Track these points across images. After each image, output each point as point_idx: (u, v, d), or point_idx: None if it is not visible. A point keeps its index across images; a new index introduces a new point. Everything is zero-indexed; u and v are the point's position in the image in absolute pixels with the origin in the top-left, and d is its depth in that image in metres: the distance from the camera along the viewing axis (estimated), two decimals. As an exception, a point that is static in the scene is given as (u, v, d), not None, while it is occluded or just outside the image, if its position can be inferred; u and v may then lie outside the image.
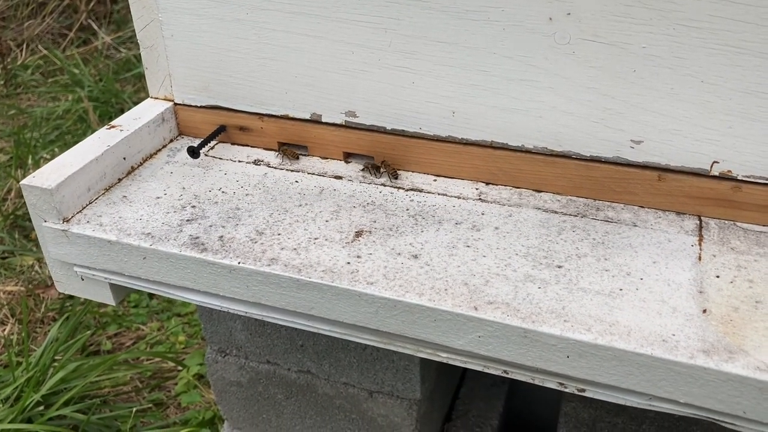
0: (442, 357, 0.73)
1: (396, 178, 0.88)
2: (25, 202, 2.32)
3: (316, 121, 0.92)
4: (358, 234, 0.79)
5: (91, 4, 3.62)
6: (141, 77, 3.10)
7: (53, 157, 2.55)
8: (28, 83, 3.26)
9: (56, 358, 1.66)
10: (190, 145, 0.92)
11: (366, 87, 0.87)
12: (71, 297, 1.95)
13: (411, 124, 0.87)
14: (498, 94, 0.82)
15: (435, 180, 0.89)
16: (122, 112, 2.84)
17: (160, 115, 0.96)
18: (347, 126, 0.91)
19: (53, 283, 0.89)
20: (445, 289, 0.71)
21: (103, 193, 0.87)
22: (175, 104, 0.98)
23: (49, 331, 1.82)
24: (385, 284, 0.72)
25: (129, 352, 1.78)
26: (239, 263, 0.75)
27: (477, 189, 0.87)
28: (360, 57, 0.85)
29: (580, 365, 0.66)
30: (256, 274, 0.75)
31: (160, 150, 0.97)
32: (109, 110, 2.90)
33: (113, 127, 0.92)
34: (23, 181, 0.81)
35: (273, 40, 0.88)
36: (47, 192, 0.80)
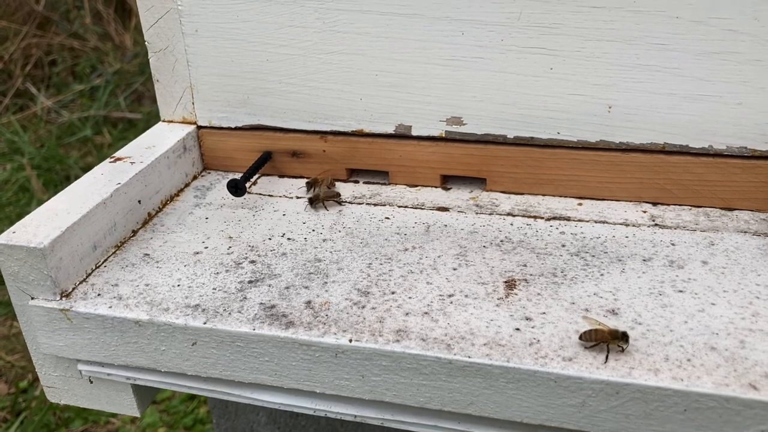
0: (692, 466, 0.47)
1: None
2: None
3: (403, 135, 0.67)
4: (510, 284, 0.54)
5: (28, 68, 3.32)
6: (87, 141, 2.80)
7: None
8: (-39, 154, 2.92)
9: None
10: (232, 178, 0.66)
11: (479, 81, 0.63)
12: (24, 391, 1.62)
13: (545, 129, 0.63)
14: (678, 75, 0.58)
15: (580, 204, 0.64)
16: (68, 178, 2.54)
17: (180, 143, 0.69)
18: (449, 139, 0.66)
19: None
20: (688, 359, 0.46)
21: (115, 252, 0.60)
22: (199, 127, 0.72)
23: (1, 437, 1.49)
24: (590, 359, 0.46)
25: (102, 459, 1.47)
26: (351, 341, 0.49)
27: (645, 212, 0.63)
28: (472, 39, 0.61)
29: None
30: (379, 356, 0.48)
31: (182, 190, 0.70)
32: (54, 177, 2.59)
33: (119, 159, 0.65)
34: (-2, 240, 0.53)
35: (344, 24, 0.64)
36: (37, 253, 0.52)
